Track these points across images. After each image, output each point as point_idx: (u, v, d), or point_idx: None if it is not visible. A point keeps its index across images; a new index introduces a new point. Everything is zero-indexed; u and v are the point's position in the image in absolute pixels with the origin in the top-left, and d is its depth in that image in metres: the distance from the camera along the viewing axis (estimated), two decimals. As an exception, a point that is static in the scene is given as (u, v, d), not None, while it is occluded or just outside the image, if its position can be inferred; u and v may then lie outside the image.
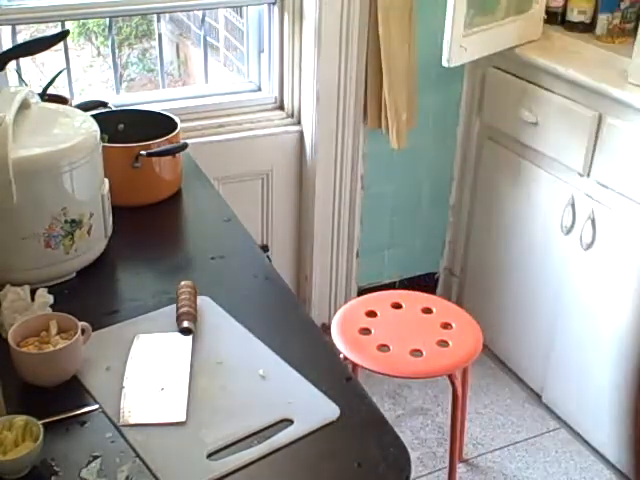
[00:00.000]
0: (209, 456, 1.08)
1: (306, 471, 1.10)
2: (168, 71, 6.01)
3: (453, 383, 1.97)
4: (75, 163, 1.38)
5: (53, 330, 1.23)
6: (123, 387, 1.20)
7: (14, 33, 2.28)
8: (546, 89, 2.30)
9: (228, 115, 2.50)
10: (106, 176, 1.53)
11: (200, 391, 1.19)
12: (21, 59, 2.21)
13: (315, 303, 2.76)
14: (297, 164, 2.58)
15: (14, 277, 1.37)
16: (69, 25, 2.84)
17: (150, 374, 1.23)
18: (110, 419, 1.14)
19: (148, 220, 1.70)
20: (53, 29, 3.36)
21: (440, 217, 2.88)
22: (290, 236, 2.69)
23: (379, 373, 1.94)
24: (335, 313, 2.10)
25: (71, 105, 1.81)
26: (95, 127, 1.48)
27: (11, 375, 1.18)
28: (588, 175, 2.21)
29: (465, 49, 2.24)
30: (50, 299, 1.33)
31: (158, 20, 2.52)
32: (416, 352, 1.95)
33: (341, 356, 1.92)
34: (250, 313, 1.39)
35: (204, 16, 2.86)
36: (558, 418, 2.51)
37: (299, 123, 2.54)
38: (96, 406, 1.16)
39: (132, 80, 6.17)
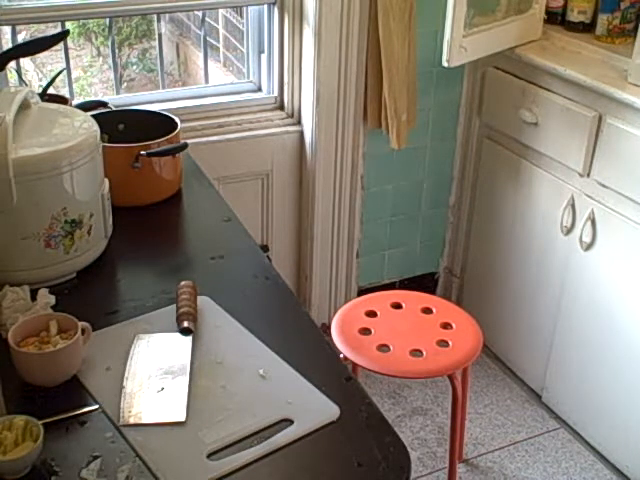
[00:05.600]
0: (209, 456, 1.08)
1: (306, 471, 1.10)
2: (168, 71, 6.00)
3: (453, 383, 1.97)
4: (75, 163, 1.38)
5: (53, 330, 1.23)
6: (123, 387, 1.20)
7: (14, 33, 2.28)
8: (546, 89, 2.30)
9: (228, 115, 2.50)
10: (106, 176, 1.53)
11: (200, 391, 1.19)
12: (21, 59, 2.21)
13: (315, 303, 2.76)
14: (297, 164, 2.58)
15: (14, 277, 1.37)
16: (69, 25, 2.85)
17: (150, 374, 1.23)
18: (110, 419, 1.14)
19: (148, 220, 1.70)
20: (53, 29, 3.36)
21: (440, 217, 2.88)
22: (290, 236, 2.69)
23: (379, 373, 1.94)
24: (335, 313, 2.09)
25: (71, 105, 1.81)
26: (95, 127, 1.48)
27: (11, 375, 1.18)
28: (588, 175, 2.21)
29: (465, 49, 2.24)
30: (52, 299, 1.34)
31: (158, 20, 2.52)
32: (416, 352, 1.95)
33: (341, 356, 1.92)
34: (250, 313, 1.39)
35: (204, 16, 2.85)
36: (558, 418, 2.51)
37: (299, 123, 2.54)
38: (96, 406, 1.16)
39: (132, 80, 6.15)
